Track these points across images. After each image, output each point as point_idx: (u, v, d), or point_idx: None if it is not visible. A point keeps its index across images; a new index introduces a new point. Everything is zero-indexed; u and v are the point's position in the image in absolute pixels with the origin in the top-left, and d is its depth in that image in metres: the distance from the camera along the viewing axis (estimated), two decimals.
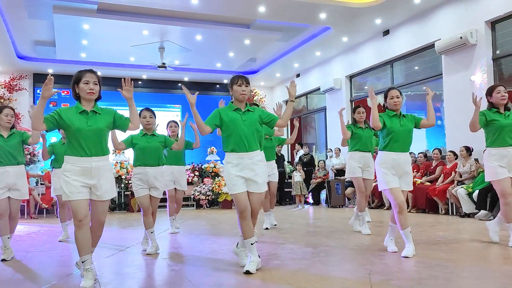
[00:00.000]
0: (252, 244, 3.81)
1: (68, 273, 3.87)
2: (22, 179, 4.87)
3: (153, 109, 5.41)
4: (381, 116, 4.52)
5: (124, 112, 3.66)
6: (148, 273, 4.06)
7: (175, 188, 6.66)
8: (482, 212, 7.19)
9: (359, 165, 6.11)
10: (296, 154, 13.67)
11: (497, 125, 4.75)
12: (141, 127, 5.00)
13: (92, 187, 3.43)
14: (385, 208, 9.69)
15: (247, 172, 3.83)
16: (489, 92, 4.94)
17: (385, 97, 4.64)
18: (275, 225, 7.04)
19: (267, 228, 6.73)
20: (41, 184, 10.68)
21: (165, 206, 7.26)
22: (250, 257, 3.80)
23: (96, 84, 3.48)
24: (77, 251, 3.41)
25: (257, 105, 4.94)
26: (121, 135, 4.78)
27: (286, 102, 4.27)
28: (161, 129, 6.53)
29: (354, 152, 6.16)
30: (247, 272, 3.67)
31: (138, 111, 4.21)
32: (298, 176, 11.44)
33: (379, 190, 4.89)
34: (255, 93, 16.17)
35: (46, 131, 3.47)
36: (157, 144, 5.06)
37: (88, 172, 3.39)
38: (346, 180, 10.68)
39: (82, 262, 3.40)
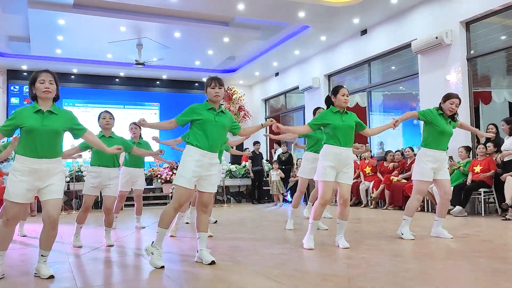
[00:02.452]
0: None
1: (28, 271, 3.76)
2: None
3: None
4: (321, 113, 4.74)
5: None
6: (125, 269, 4.01)
7: (131, 189, 6.99)
8: (457, 208, 7.35)
9: (312, 166, 6.06)
10: (275, 153, 13.71)
11: (439, 129, 5.05)
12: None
13: (40, 189, 3.45)
14: (362, 205, 9.80)
15: (203, 171, 3.92)
16: (445, 98, 5.17)
17: (335, 92, 4.74)
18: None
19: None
20: None
21: (132, 205, 7.35)
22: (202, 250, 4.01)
23: (52, 83, 3.49)
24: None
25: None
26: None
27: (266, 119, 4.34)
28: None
29: (310, 153, 6.20)
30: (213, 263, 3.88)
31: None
32: (275, 175, 11.46)
33: (314, 179, 4.99)
34: (234, 91, 16.15)
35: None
36: None
37: (36, 173, 3.40)
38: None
39: None
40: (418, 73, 9.46)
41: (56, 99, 3.59)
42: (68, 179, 10.47)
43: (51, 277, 3.47)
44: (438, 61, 8.85)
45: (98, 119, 5.29)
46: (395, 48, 10.07)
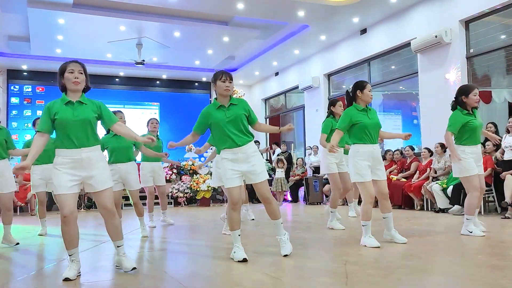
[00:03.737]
0: (239, 235, 3.96)
1: (43, 267, 3.81)
2: (7, 172, 5.05)
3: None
4: (348, 113, 4.60)
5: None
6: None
7: (155, 186, 6.96)
8: (456, 207, 7.35)
9: (336, 161, 6.07)
10: (273, 153, 13.72)
11: (472, 126, 4.96)
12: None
13: (85, 179, 3.40)
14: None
15: (243, 165, 3.89)
16: (466, 92, 5.02)
17: (362, 88, 4.66)
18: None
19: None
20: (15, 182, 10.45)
21: (144, 204, 7.34)
22: (238, 247, 3.89)
23: (81, 73, 3.47)
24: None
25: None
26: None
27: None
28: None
29: None
30: (244, 260, 3.77)
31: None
32: (280, 172, 11.30)
33: (352, 181, 4.84)
34: (234, 91, 16.14)
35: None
36: (127, 144, 5.56)
37: (79, 164, 3.36)
38: (323, 177, 10.74)
39: (69, 256, 3.42)
40: (417, 72, 9.46)
41: (86, 90, 3.56)
42: None
43: (134, 269, 3.50)
44: (438, 60, 8.86)
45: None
46: (395, 47, 10.07)
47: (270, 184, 12.07)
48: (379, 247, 4.31)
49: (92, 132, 3.45)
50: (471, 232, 4.96)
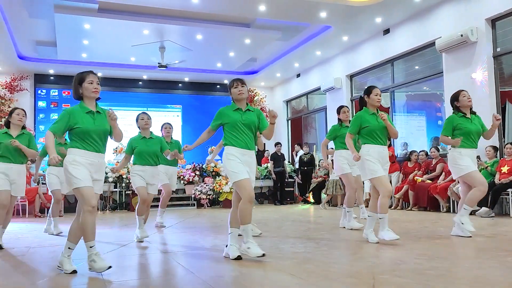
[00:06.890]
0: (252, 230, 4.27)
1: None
2: (22, 177, 5.21)
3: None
4: (358, 117, 4.93)
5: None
6: (149, 266, 4.07)
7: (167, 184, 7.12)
8: (483, 209, 7.21)
9: (347, 162, 6.21)
10: (296, 155, 13.68)
11: (465, 130, 5.12)
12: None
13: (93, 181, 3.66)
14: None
15: (247, 167, 4.11)
16: (455, 97, 5.26)
17: (369, 93, 4.96)
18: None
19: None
20: (43, 183, 10.67)
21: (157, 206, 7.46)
22: (252, 242, 3.99)
23: (98, 84, 3.74)
24: (84, 236, 3.57)
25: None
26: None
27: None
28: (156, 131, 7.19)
29: (342, 150, 6.24)
30: (239, 258, 3.96)
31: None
32: (335, 175, 10.97)
33: (363, 179, 5.15)
34: (255, 93, 16.19)
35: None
36: (155, 148, 5.65)
37: (93, 167, 3.63)
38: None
39: (90, 247, 3.56)
40: (442, 72, 9.31)
41: (98, 98, 3.79)
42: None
43: (74, 272, 3.63)
44: (463, 59, 8.69)
45: (137, 121, 5.69)
46: (419, 47, 9.92)
47: (291, 186, 12.04)
48: (398, 238, 4.55)
49: (106, 141, 3.78)
50: (463, 223, 5.09)
